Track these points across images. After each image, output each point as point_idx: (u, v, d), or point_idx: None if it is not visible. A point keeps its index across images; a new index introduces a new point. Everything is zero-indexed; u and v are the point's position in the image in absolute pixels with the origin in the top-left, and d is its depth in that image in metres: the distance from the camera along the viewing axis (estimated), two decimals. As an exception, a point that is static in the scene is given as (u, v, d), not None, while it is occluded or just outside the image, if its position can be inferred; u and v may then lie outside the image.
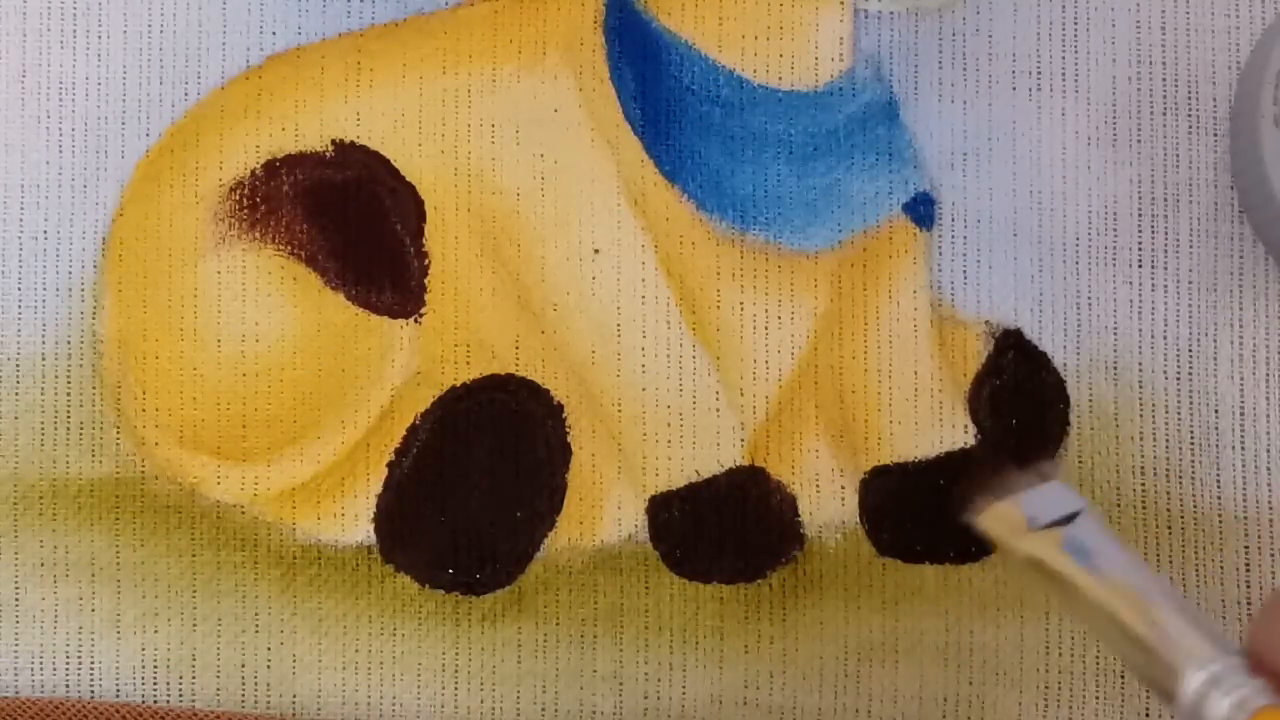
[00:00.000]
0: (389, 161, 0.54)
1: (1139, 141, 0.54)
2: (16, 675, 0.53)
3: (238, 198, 0.54)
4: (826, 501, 0.54)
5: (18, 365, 0.54)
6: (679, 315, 0.54)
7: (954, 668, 0.53)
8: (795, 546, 0.53)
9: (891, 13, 0.54)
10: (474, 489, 0.53)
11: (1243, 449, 0.53)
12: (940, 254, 0.54)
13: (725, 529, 0.53)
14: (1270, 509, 0.53)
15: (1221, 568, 0.53)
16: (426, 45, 0.54)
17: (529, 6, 0.54)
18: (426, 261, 0.54)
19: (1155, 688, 0.39)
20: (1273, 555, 0.53)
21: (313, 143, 0.54)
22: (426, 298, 0.54)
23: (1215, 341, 0.54)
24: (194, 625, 0.53)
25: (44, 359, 0.54)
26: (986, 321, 0.54)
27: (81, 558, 0.53)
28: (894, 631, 0.53)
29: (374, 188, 0.54)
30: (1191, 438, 0.53)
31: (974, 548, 0.53)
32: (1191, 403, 0.54)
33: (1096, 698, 0.53)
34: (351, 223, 0.53)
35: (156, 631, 0.53)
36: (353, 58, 0.54)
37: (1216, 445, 0.53)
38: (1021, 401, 0.54)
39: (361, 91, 0.54)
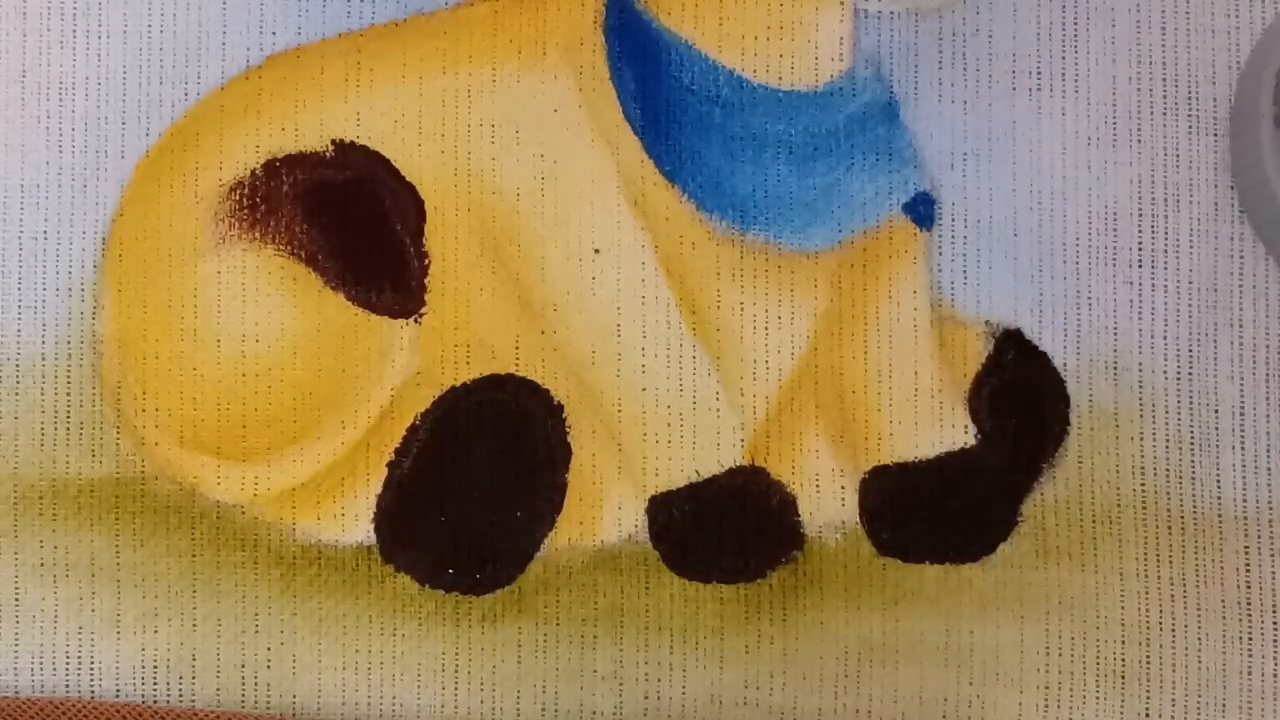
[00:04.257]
0: (389, 161, 0.54)
1: (1139, 141, 0.54)
2: (16, 675, 0.53)
3: (238, 198, 0.54)
4: (826, 501, 0.54)
5: (18, 365, 0.54)
6: (679, 315, 0.54)
7: (954, 668, 0.53)
8: (795, 546, 0.53)
9: (891, 13, 0.54)
10: (474, 489, 0.53)
11: (1243, 449, 0.53)
12: (940, 254, 0.54)
13: (725, 529, 0.53)
14: (1270, 509, 0.53)
15: (1221, 568, 0.53)
16: (426, 45, 0.54)
17: (529, 6, 0.54)
18: (426, 261, 0.54)
19: None
20: (1273, 555, 0.53)
21: (313, 143, 0.54)
22: (426, 298, 0.54)
23: (1215, 341, 0.54)
24: (194, 625, 0.53)
25: (44, 359, 0.54)
26: (986, 321, 0.54)
27: (81, 558, 0.53)
28: (894, 631, 0.53)
29: (374, 188, 0.54)
30: (1191, 438, 0.53)
31: (974, 547, 0.53)
32: (1191, 403, 0.54)
33: (1096, 698, 0.53)
34: (351, 223, 0.53)
35: (156, 631, 0.53)
36: (353, 58, 0.54)
37: (1216, 445, 0.53)
38: (1021, 401, 0.54)
39: (361, 91, 0.54)
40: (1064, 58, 0.54)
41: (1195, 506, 0.53)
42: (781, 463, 0.54)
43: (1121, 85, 0.54)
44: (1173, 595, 0.53)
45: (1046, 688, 0.53)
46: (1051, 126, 0.54)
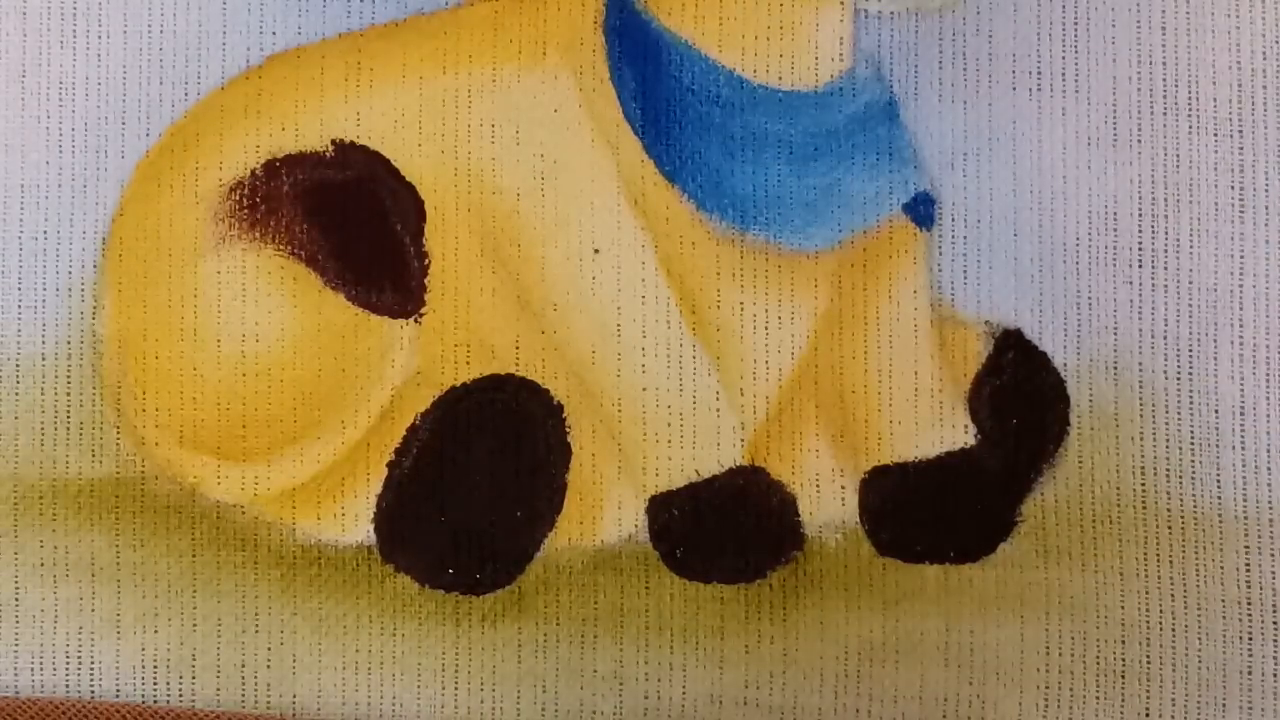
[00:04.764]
0: (389, 161, 0.54)
1: (1139, 141, 0.54)
2: (16, 675, 0.53)
3: (238, 198, 0.54)
4: (826, 501, 0.54)
5: (18, 365, 0.54)
6: (679, 315, 0.54)
7: (954, 668, 0.53)
8: (795, 546, 0.53)
9: (891, 13, 0.54)
10: (474, 489, 0.53)
11: (1243, 449, 0.53)
12: (940, 254, 0.54)
13: (725, 529, 0.53)
14: (1270, 509, 0.53)
15: (1221, 568, 0.53)
16: (426, 45, 0.54)
17: (529, 6, 0.54)
18: (426, 261, 0.54)
19: None
20: (1273, 555, 0.53)
21: (313, 143, 0.54)
22: (426, 298, 0.54)
23: (1215, 341, 0.54)
24: (194, 625, 0.53)
25: (44, 359, 0.54)
26: (986, 321, 0.54)
27: (81, 558, 0.53)
28: (894, 631, 0.53)
29: (374, 188, 0.54)
30: (1191, 438, 0.53)
31: (974, 548, 0.53)
32: (1191, 403, 0.54)
33: (1096, 698, 0.53)
34: (351, 223, 0.53)
35: (156, 631, 0.53)
36: (353, 58, 0.54)
37: (1216, 445, 0.53)
38: (1021, 401, 0.54)
39: (361, 91, 0.54)
40: (1064, 58, 0.54)
41: (1195, 506, 0.53)
42: (781, 463, 0.54)
43: (1122, 85, 0.54)
44: (1173, 595, 0.53)
45: (1046, 688, 0.53)
46: (1052, 126, 0.54)
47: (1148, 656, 0.53)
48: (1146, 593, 0.53)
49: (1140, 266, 0.54)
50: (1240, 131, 0.54)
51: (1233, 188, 0.54)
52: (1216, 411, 0.54)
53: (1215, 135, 0.54)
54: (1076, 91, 0.54)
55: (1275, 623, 0.53)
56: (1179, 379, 0.54)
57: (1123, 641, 0.53)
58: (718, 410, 0.53)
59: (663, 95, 0.54)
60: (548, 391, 0.53)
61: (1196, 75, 0.54)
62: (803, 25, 0.54)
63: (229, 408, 0.53)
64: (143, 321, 0.54)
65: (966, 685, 0.53)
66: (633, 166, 0.54)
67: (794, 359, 0.54)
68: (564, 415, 0.53)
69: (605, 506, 0.53)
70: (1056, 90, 0.54)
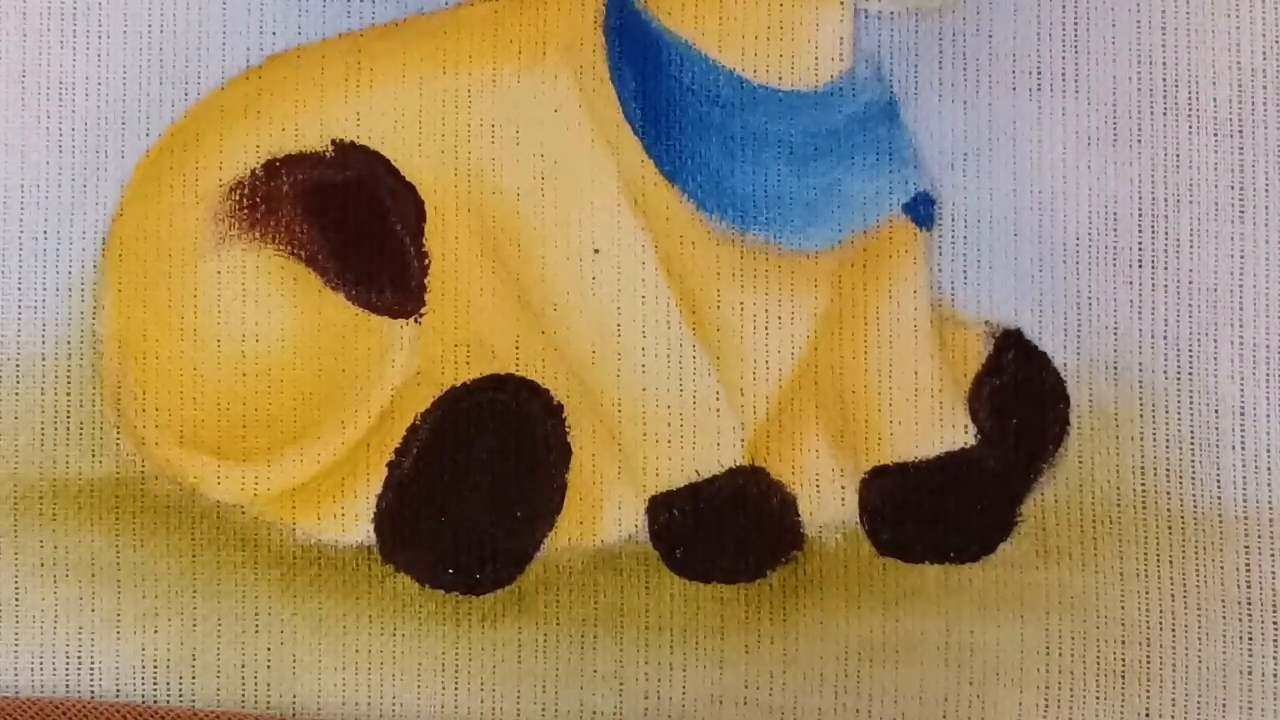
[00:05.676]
0: (389, 161, 0.54)
1: (1139, 141, 0.54)
2: (16, 675, 0.53)
3: (238, 198, 0.54)
4: (826, 501, 0.54)
5: (18, 365, 0.54)
6: (679, 315, 0.54)
7: (954, 668, 0.53)
8: (795, 546, 0.53)
9: (891, 13, 0.54)
10: (474, 489, 0.53)
11: (1243, 449, 0.53)
12: (940, 254, 0.54)
13: (725, 529, 0.53)
14: (1270, 509, 0.53)
15: (1221, 568, 0.53)
16: (426, 45, 0.54)
17: (529, 6, 0.54)
18: (426, 261, 0.54)
19: None
20: (1273, 555, 0.53)
21: (313, 143, 0.54)
22: (426, 298, 0.54)
23: (1215, 341, 0.54)
24: (194, 625, 0.53)
25: (44, 359, 0.54)
26: (986, 321, 0.54)
27: (81, 558, 0.53)
28: (894, 631, 0.53)
29: (374, 188, 0.54)
30: (1191, 438, 0.53)
31: (974, 547, 0.53)
32: (1191, 403, 0.54)
33: (1096, 698, 0.53)
34: (351, 223, 0.53)
35: (156, 631, 0.53)
36: (353, 58, 0.54)
37: (1216, 445, 0.53)
38: (1021, 401, 0.54)
39: (361, 91, 0.54)
40: (1064, 58, 0.54)
41: (1195, 506, 0.53)
42: (781, 463, 0.54)
43: (1122, 85, 0.54)
44: (1173, 595, 0.53)
45: (1046, 688, 0.53)
46: (1052, 126, 0.54)
47: (1148, 656, 0.53)
48: (1146, 593, 0.53)
49: (1140, 266, 0.54)
50: (1240, 131, 0.54)
51: (1233, 188, 0.54)
52: (1216, 411, 0.54)
53: (1215, 135, 0.54)
54: (1076, 91, 0.54)
55: (1275, 623, 0.53)
56: (1179, 379, 0.54)
57: (1123, 641, 0.53)
58: (718, 410, 0.53)
59: (663, 95, 0.54)
60: (548, 391, 0.53)
61: (1196, 75, 0.54)
62: (803, 25, 0.54)
63: (229, 408, 0.53)
64: (143, 321, 0.54)
65: (966, 685, 0.53)
66: (633, 166, 0.54)
67: (794, 359, 0.54)
68: (564, 415, 0.53)
69: (605, 506, 0.53)
70: (1056, 90, 0.54)
